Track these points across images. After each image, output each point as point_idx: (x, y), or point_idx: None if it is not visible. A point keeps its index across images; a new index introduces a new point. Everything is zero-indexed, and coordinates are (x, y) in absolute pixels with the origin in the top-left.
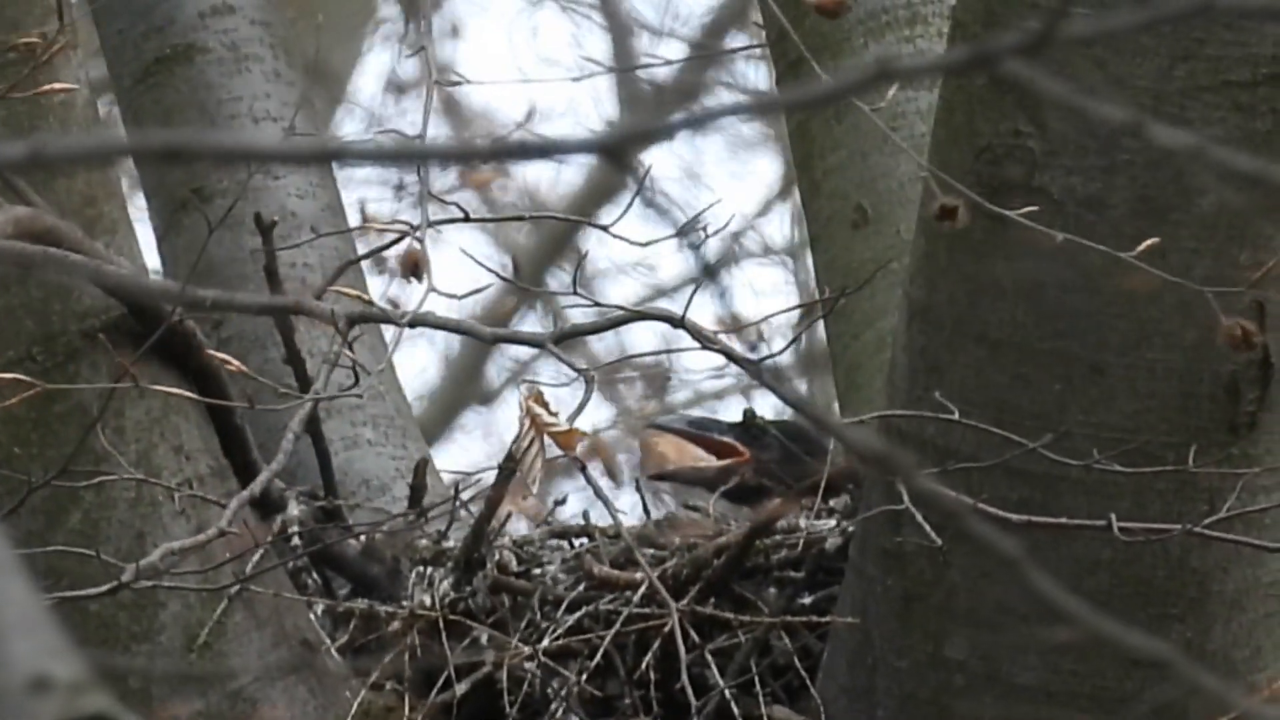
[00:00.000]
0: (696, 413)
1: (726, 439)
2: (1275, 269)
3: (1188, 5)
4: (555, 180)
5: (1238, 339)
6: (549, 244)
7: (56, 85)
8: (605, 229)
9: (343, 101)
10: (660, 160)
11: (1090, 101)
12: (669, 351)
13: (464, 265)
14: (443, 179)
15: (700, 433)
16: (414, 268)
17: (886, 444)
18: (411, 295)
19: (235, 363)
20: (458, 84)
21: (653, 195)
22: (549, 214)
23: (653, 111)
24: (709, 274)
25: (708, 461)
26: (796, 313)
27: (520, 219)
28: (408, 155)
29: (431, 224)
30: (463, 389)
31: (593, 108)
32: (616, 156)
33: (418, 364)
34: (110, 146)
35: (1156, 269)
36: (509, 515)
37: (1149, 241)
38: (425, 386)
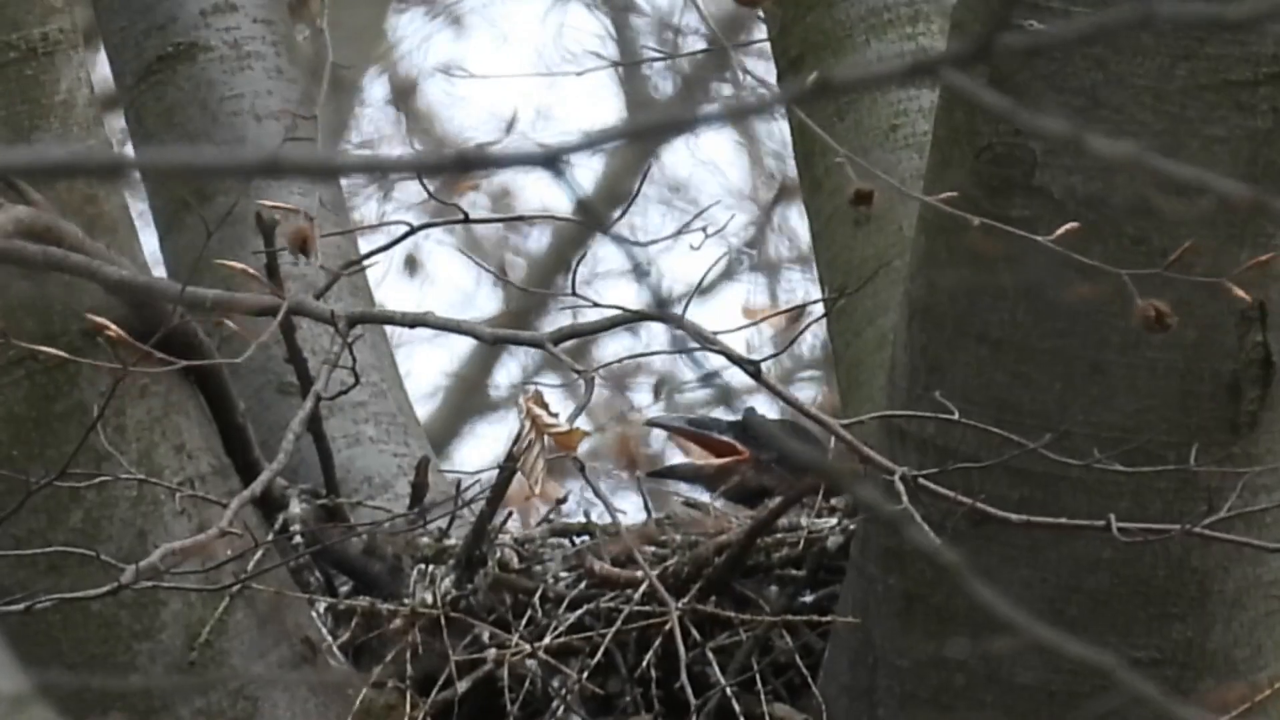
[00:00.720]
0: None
1: (726, 438)
2: (1273, 265)
3: (1130, 15)
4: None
5: (1151, 320)
6: (560, 246)
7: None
8: (604, 230)
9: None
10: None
11: (1028, 114)
12: (670, 352)
13: (464, 265)
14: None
15: (700, 431)
16: (302, 244)
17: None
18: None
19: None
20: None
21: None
22: (548, 215)
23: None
24: (660, 304)
25: (707, 460)
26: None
27: (521, 219)
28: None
29: (429, 225)
30: (469, 398)
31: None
32: (554, 168)
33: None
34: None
35: (1154, 269)
36: (510, 513)
37: (1067, 226)
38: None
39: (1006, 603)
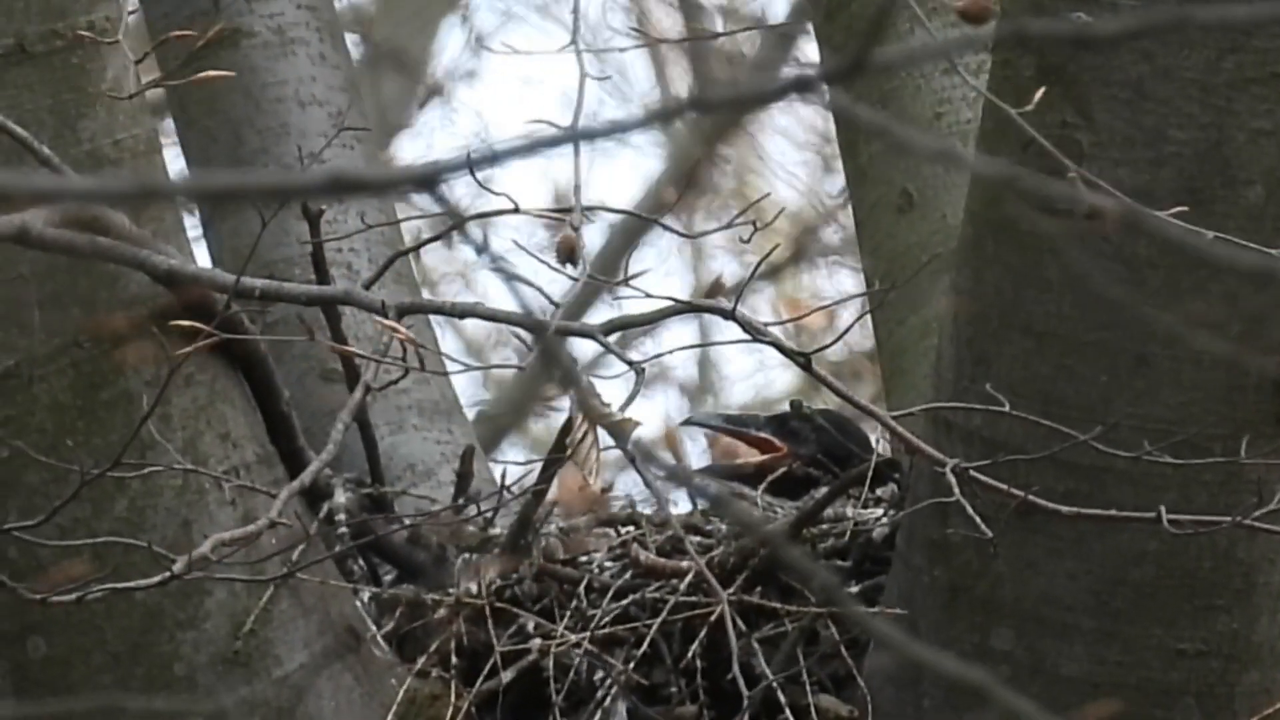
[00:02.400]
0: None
1: (764, 434)
2: None
3: (1007, 30)
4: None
5: None
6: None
7: (212, 74)
8: (657, 220)
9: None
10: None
11: (904, 131)
12: (720, 344)
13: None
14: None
15: (738, 428)
16: (570, 253)
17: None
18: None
19: (403, 331)
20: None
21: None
22: (600, 205)
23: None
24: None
25: (746, 458)
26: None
27: (568, 211)
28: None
29: (480, 216)
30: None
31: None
32: (430, 189)
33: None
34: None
35: (1201, 260)
36: (555, 503)
37: (1178, 209)
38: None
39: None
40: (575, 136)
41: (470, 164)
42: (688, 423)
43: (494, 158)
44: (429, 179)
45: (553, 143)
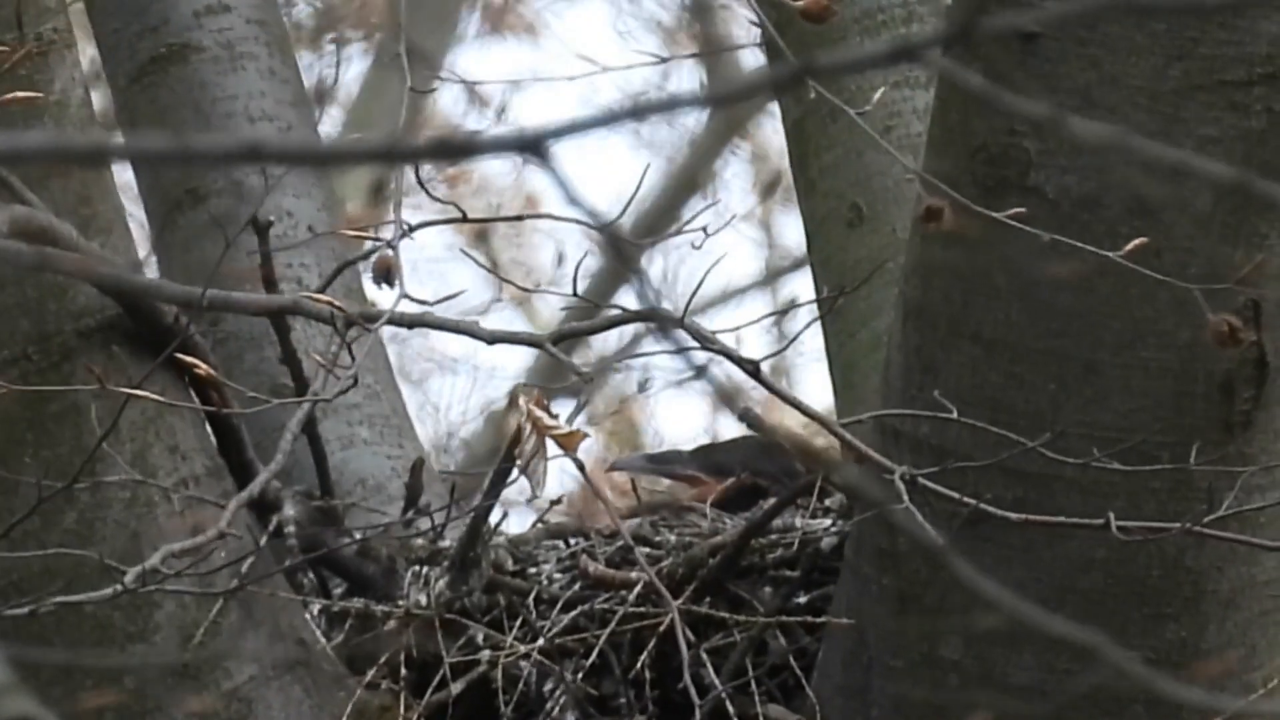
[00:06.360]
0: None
1: (690, 471)
2: (1267, 266)
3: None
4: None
5: (1225, 335)
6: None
7: (20, 95)
8: (607, 229)
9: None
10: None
11: (1010, 98)
12: (670, 351)
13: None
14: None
15: (663, 467)
16: (386, 274)
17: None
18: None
19: (204, 367)
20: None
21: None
22: (544, 214)
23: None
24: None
25: (674, 499)
26: None
27: (519, 219)
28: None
29: (417, 227)
30: None
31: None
32: (536, 152)
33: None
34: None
35: (1149, 268)
36: (505, 515)
37: (1137, 241)
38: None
39: (992, 584)
40: (677, 104)
41: (572, 129)
42: (612, 468)
43: (608, 120)
44: (535, 143)
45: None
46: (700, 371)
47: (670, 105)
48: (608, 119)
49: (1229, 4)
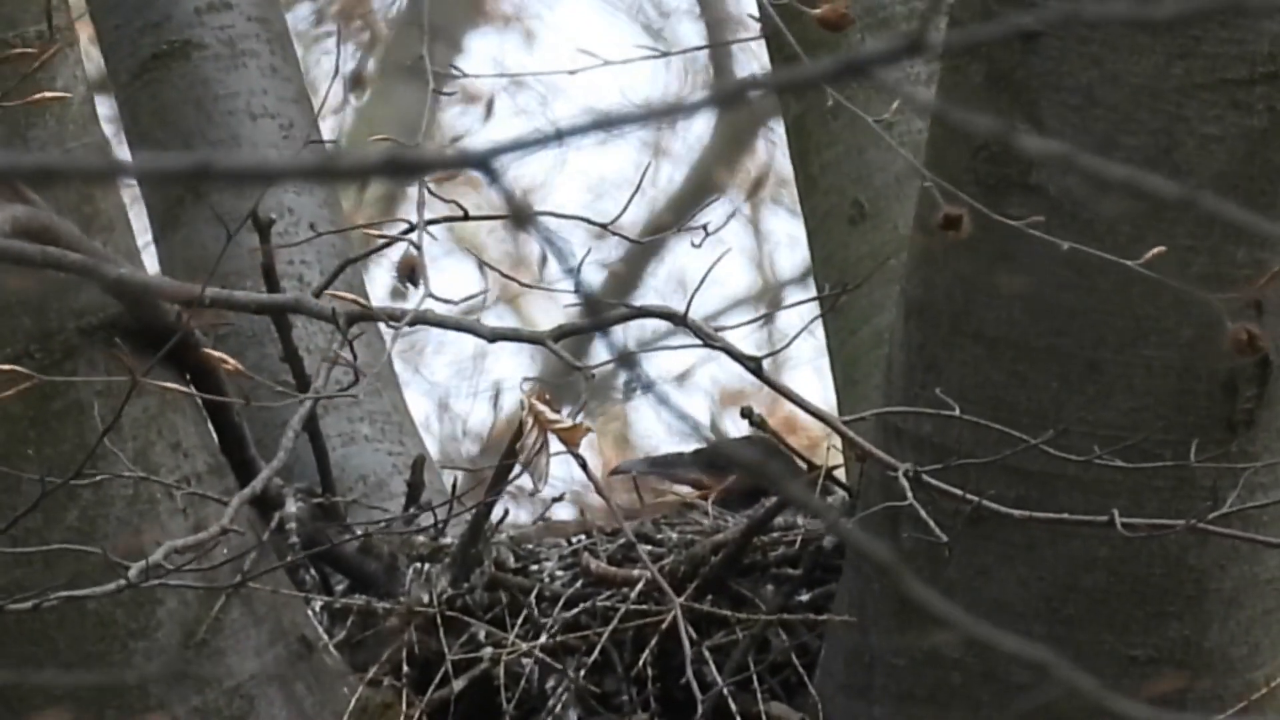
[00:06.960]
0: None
1: (691, 475)
2: (1273, 268)
3: (899, 45)
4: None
5: (1243, 344)
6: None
7: (47, 95)
8: (604, 227)
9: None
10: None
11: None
12: (672, 348)
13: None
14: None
15: (666, 470)
16: (410, 273)
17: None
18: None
19: (232, 361)
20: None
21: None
22: (551, 211)
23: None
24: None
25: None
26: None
27: (523, 217)
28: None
29: (428, 223)
30: None
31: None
32: (484, 170)
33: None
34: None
35: (1152, 268)
36: (506, 512)
37: (1156, 250)
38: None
39: (941, 599)
40: (634, 118)
41: (527, 145)
42: (615, 472)
43: (556, 137)
44: (486, 160)
45: (614, 123)
46: (647, 386)
47: (613, 122)
48: (557, 136)
49: (1229, 4)
